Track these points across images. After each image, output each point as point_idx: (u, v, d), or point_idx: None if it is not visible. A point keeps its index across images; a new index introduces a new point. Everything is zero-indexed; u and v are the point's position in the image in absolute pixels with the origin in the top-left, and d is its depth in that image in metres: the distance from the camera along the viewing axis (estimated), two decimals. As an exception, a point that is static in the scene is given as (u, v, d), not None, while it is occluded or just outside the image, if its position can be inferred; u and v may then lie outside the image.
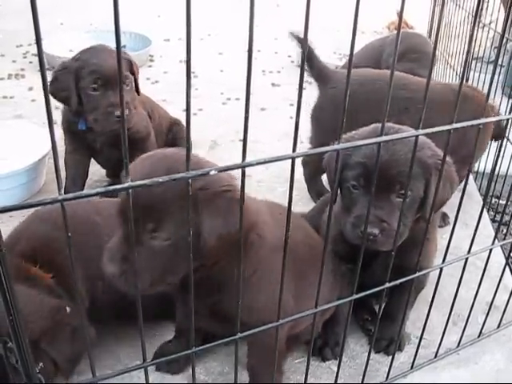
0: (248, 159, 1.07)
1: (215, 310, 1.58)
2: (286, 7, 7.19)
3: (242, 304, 1.56)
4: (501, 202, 3.17)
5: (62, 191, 0.93)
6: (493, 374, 2.00)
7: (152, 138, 2.82)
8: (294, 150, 1.11)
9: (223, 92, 4.42)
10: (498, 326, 2.15)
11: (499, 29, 3.59)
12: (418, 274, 1.68)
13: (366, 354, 1.77)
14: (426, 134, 1.36)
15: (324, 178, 2.92)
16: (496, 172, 2.64)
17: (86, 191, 0.95)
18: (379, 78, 2.79)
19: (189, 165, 1.02)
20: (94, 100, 2.51)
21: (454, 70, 4.14)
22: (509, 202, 2.00)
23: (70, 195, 0.94)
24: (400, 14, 1.15)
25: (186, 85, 0.96)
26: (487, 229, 2.78)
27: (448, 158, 1.74)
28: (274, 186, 3.10)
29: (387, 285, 1.59)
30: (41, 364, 1.80)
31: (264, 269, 1.56)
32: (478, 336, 2.10)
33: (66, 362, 1.70)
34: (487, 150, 3.03)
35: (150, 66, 4.98)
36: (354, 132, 1.84)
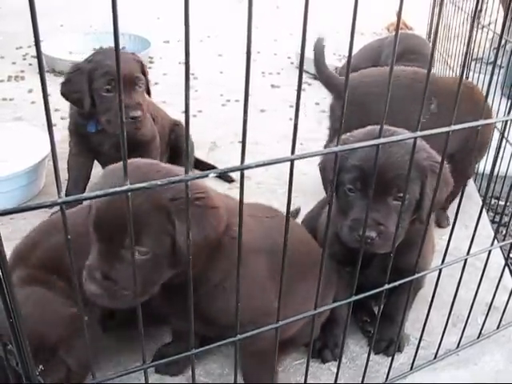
0: (247, 161, 1.07)
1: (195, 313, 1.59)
2: (286, 9, 7.20)
3: (218, 307, 1.56)
4: (500, 202, 3.17)
5: (62, 194, 0.93)
6: (492, 374, 2.00)
7: (157, 141, 2.82)
8: (292, 153, 1.11)
9: (223, 93, 4.43)
10: (498, 327, 2.15)
11: (498, 30, 3.59)
12: (417, 276, 1.68)
13: (366, 355, 1.77)
14: (424, 136, 1.36)
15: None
16: (495, 173, 2.65)
17: (86, 194, 0.95)
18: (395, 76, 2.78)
19: (188, 168, 1.02)
20: (107, 101, 2.50)
21: (453, 70, 4.15)
22: (508, 203, 2.01)
23: (70, 198, 0.94)
24: (398, 15, 1.16)
25: (185, 86, 0.96)
26: (486, 229, 2.78)
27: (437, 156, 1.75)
28: (274, 187, 3.10)
29: (386, 286, 1.60)
30: (41, 366, 1.81)
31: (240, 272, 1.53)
32: (478, 337, 2.11)
33: (82, 368, 1.71)
34: (487, 151, 3.04)
35: (149, 68, 4.95)
36: (348, 134, 1.84)
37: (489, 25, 3.97)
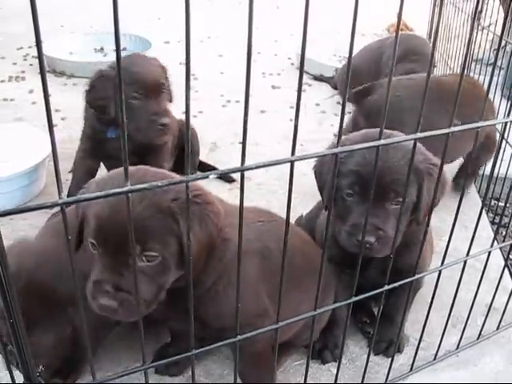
0: (248, 162, 1.07)
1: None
2: (286, 9, 7.20)
3: (210, 310, 1.56)
4: (500, 203, 3.17)
5: (63, 195, 0.93)
6: (492, 375, 2.00)
7: (168, 144, 2.81)
8: (293, 154, 1.12)
9: (223, 94, 4.43)
10: (498, 328, 2.15)
11: (498, 31, 3.60)
12: (416, 277, 1.68)
13: (366, 356, 1.77)
14: (424, 138, 1.36)
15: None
16: (495, 174, 2.65)
17: (86, 195, 0.95)
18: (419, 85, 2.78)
19: (189, 168, 1.02)
20: (134, 109, 2.46)
21: (453, 71, 4.15)
22: (508, 204, 2.01)
23: (70, 199, 0.94)
24: (399, 16, 1.16)
25: (186, 87, 0.96)
26: (486, 231, 2.79)
27: (437, 161, 1.75)
28: (274, 188, 3.10)
29: (386, 287, 1.60)
30: (41, 367, 1.81)
31: (231, 274, 1.50)
32: (478, 338, 2.11)
33: (86, 337, 1.72)
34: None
35: (149, 69, 4.99)
36: (344, 137, 1.84)
37: (489, 26, 3.98)
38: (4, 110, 3.92)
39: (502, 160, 2.71)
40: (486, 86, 2.86)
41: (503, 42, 3.77)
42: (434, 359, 2.00)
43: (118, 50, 0.87)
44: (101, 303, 1.35)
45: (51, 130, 0.88)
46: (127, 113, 2.48)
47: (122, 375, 1.24)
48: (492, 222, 2.95)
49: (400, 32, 1.18)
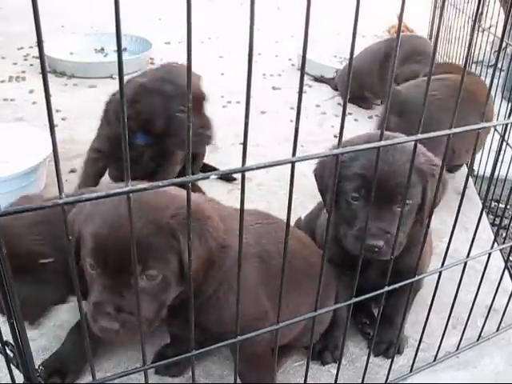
0: (248, 163, 1.07)
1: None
2: (287, 10, 7.20)
3: (212, 317, 1.56)
4: (500, 205, 3.17)
5: (63, 195, 0.93)
6: (492, 376, 2.00)
7: None
8: (293, 155, 1.12)
9: (224, 95, 4.43)
10: (497, 330, 2.15)
11: (499, 33, 3.60)
12: (417, 278, 1.68)
13: (366, 357, 1.77)
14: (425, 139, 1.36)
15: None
16: (495, 175, 2.65)
17: (86, 195, 0.95)
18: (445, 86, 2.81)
19: (189, 168, 1.02)
20: (183, 122, 2.44)
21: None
22: (508, 206, 2.01)
23: (71, 199, 0.94)
24: (400, 18, 1.16)
25: (187, 87, 0.96)
26: (486, 232, 2.79)
27: (438, 161, 1.76)
28: (275, 189, 3.10)
29: (386, 288, 1.60)
30: (41, 367, 1.82)
31: (231, 280, 1.48)
32: (478, 339, 2.11)
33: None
34: (487, 154, 3.04)
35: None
36: (345, 140, 1.84)
37: (489, 28, 3.98)
38: (4, 109, 3.93)
39: (502, 162, 2.71)
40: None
41: (504, 44, 3.77)
42: (434, 360, 2.00)
43: (119, 51, 0.87)
44: (102, 326, 1.33)
45: (52, 130, 0.88)
46: (174, 126, 2.47)
47: (122, 375, 1.24)
48: (492, 224, 2.95)
49: (401, 33, 1.18)
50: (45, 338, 2.01)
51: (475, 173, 3.31)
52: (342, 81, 4.46)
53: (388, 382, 1.90)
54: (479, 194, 3.22)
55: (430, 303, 1.77)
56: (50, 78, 4.41)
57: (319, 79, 4.83)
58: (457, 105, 1.33)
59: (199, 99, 2.47)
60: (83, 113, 3.79)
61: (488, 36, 3.76)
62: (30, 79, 4.53)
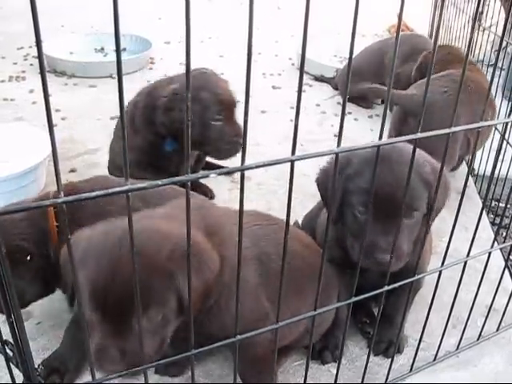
0: (248, 162, 1.07)
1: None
2: (287, 10, 7.20)
3: (214, 325, 1.55)
4: (500, 204, 3.17)
5: (62, 194, 0.93)
6: (492, 376, 2.00)
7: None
8: (293, 153, 1.12)
9: (224, 94, 4.42)
10: (498, 329, 2.15)
11: (499, 32, 3.60)
12: (417, 277, 1.68)
13: (366, 356, 1.77)
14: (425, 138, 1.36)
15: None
16: (496, 175, 2.65)
17: (86, 194, 0.95)
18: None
19: (188, 167, 1.02)
20: (217, 130, 2.44)
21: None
22: (508, 205, 2.01)
23: (70, 198, 0.94)
24: (399, 17, 1.16)
25: (186, 87, 0.96)
26: (487, 232, 2.78)
27: (445, 171, 1.76)
28: (274, 188, 3.10)
29: (386, 287, 1.60)
30: (41, 366, 1.82)
31: (231, 288, 1.44)
32: (478, 339, 2.11)
33: None
34: (487, 153, 3.04)
35: (150, 69, 4.98)
36: (348, 147, 1.83)
37: (490, 27, 3.98)
38: (4, 109, 3.92)
39: (502, 161, 2.71)
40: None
41: (504, 43, 3.77)
42: (434, 360, 2.00)
43: (118, 51, 0.87)
44: (108, 370, 1.31)
45: (51, 129, 0.88)
46: (209, 134, 2.46)
47: (122, 375, 1.24)
48: (492, 223, 2.95)
49: (401, 32, 1.18)
50: (44, 338, 2.01)
51: (475, 172, 3.32)
52: (342, 80, 4.46)
53: (388, 381, 1.90)
54: (479, 193, 3.22)
55: (430, 302, 1.77)
56: (50, 77, 4.41)
57: (319, 78, 4.83)
58: (456, 102, 1.33)
59: (231, 107, 2.46)
60: (83, 112, 3.79)
61: (488, 35, 3.75)
62: (29, 79, 4.52)
